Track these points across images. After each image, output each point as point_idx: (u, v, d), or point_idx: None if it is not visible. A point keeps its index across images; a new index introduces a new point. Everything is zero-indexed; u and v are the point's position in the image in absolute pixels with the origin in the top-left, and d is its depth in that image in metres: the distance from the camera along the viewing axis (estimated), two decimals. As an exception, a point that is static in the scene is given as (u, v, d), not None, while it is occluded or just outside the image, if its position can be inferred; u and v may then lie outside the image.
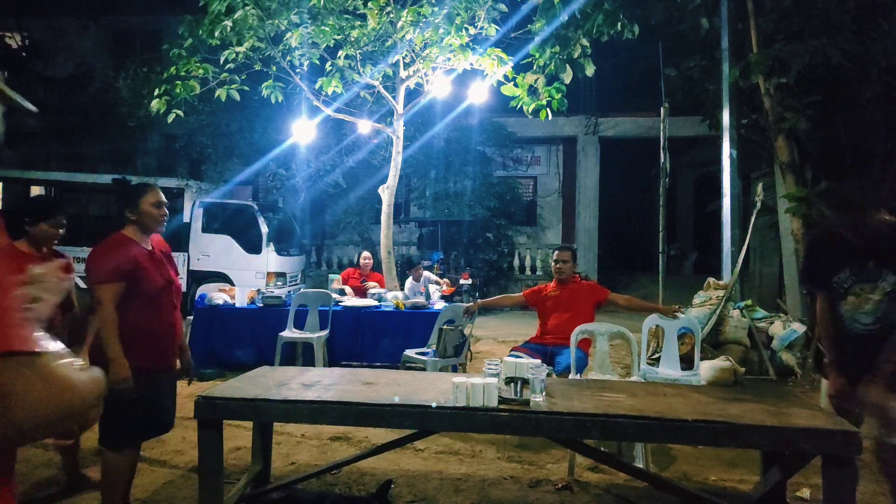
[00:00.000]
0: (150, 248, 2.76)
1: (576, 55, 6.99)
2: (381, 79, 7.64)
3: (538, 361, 2.81)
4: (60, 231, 2.93)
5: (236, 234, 9.83)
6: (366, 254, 7.59)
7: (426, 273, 7.34)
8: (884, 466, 2.54)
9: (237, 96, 7.21)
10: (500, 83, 7.20)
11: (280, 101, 7.53)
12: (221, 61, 6.91)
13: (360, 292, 6.95)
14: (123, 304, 2.59)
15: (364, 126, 8.34)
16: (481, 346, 7.71)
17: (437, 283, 7.29)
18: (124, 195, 2.75)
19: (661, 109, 7.39)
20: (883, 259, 2.44)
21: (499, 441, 4.04)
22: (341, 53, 7.24)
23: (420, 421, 2.60)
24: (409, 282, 7.20)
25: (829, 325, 2.61)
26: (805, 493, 3.30)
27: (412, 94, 7.88)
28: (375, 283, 7.13)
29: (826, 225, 2.59)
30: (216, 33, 6.49)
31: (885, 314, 2.43)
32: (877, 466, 2.61)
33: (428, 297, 6.78)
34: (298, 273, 10.80)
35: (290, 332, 5.88)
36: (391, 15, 6.83)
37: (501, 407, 2.54)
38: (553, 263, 4.74)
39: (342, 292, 6.83)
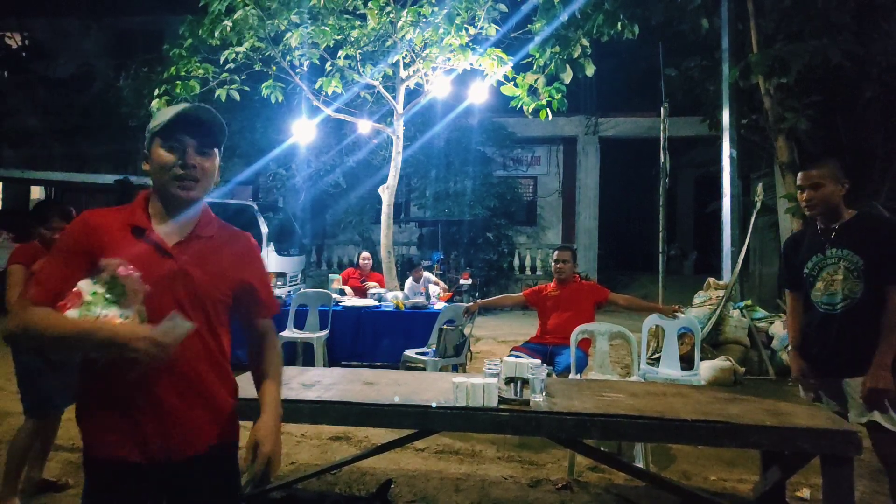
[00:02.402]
0: None
1: (576, 55, 6.99)
2: (381, 79, 7.64)
3: (538, 361, 2.81)
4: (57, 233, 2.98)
5: (236, 234, 9.81)
6: (365, 254, 7.59)
7: (426, 273, 7.35)
8: (885, 457, 2.56)
9: (237, 96, 7.21)
10: (500, 83, 7.20)
11: (280, 101, 7.53)
12: (221, 61, 6.91)
13: (360, 292, 6.95)
14: None
15: (364, 126, 8.34)
16: (481, 346, 7.72)
17: (436, 283, 7.29)
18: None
19: (661, 109, 7.39)
20: (838, 241, 2.61)
21: (499, 441, 4.04)
22: (341, 53, 7.25)
23: (420, 421, 2.60)
24: (409, 282, 7.21)
25: (796, 318, 2.85)
26: (805, 493, 3.30)
27: (412, 94, 7.88)
28: (375, 283, 7.13)
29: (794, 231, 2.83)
30: (216, 33, 6.49)
31: (850, 290, 2.56)
32: (879, 460, 2.62)
33: (428, 297, 6.79)
34: (298, 273, 10.80)
35: (290, 332, 5.88)
36: (391, 15, 6.83)
37: (501, 407, 2.54)
38: (553, 263, 4.74)
39: (342, 292, 6.84)
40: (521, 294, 4.90)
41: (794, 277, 2.80)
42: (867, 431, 2.50)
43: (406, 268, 7.73)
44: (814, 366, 2.74)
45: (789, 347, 2.90)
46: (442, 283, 7.58)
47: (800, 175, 2.71)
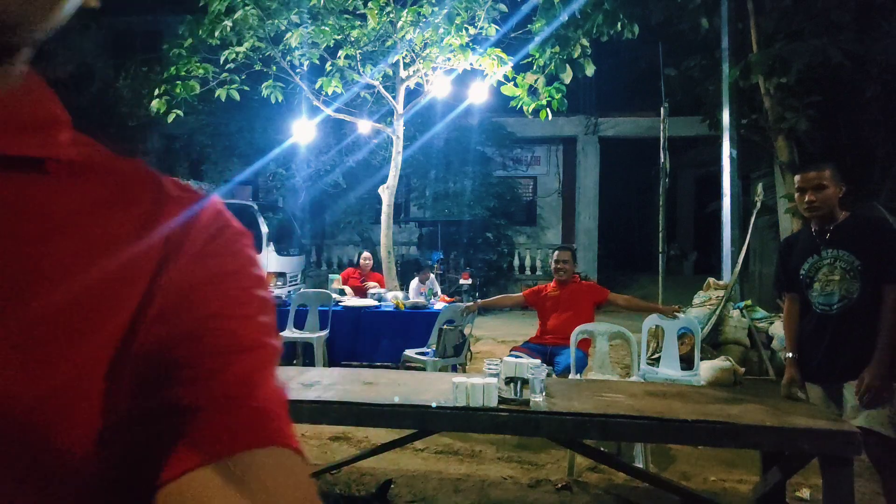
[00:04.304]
0: None
1: (576, 55, 6.99)
2: (381, 79, 7.64)
3: (538, 361, 2.81)
4: None
5: (236, 233, 9.81)
6: (366, 254, 7.59)
7: (431, 276, 7.32)
8: (878, 461, 2.56)
9: (237, 96, 7.21)
10: (500, 83, 7.20)
11: (280, 101, 7.53)
12: (221, 61, 6.91)
13: (360, 292, 6.94)
14: None
15: (364, 126, 8.34)
16: (481, 346, 7.71)
17: (437, 294, 7.26)
18: None
19: (661, 109, 7.39)
20: (833, 242, 2.64)
21: (498, 441, 4.04)
22: (341, 53, 7.25)
23: (420, 421, 2.60)
24: (414, 282, 7.18)
25: (792, 321, 2.87)
26: (805, 493, 3.30)
27: (412, 94, 7.88)
28: (375, 283, 7.12)
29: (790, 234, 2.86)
30: (216, 33, 6.49)
31: (847, 291, 2.59)
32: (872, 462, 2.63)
33: (428, 297, 6.77)
34: (298, 273, 10.80)
35: (289, 332, 5.88)
36: (391, 15, 6.83)
37: (501, 407, 2.54)
38: (553, 263, 4.74)
39: (342, 292, 6.83)
40: (521, 294, 4.90)
41: (791, 280, 2.82)
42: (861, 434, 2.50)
43: (406, 268, 7.71)
44: (813, 372, 2.74)
45: (787, 354, 2.89)
46: (442, 295, 7.53)
47: (800, 177, 2.71)
